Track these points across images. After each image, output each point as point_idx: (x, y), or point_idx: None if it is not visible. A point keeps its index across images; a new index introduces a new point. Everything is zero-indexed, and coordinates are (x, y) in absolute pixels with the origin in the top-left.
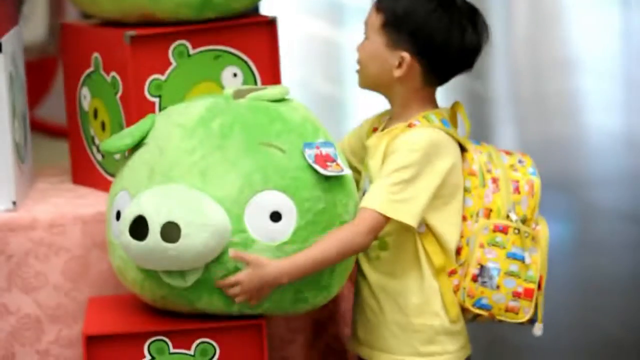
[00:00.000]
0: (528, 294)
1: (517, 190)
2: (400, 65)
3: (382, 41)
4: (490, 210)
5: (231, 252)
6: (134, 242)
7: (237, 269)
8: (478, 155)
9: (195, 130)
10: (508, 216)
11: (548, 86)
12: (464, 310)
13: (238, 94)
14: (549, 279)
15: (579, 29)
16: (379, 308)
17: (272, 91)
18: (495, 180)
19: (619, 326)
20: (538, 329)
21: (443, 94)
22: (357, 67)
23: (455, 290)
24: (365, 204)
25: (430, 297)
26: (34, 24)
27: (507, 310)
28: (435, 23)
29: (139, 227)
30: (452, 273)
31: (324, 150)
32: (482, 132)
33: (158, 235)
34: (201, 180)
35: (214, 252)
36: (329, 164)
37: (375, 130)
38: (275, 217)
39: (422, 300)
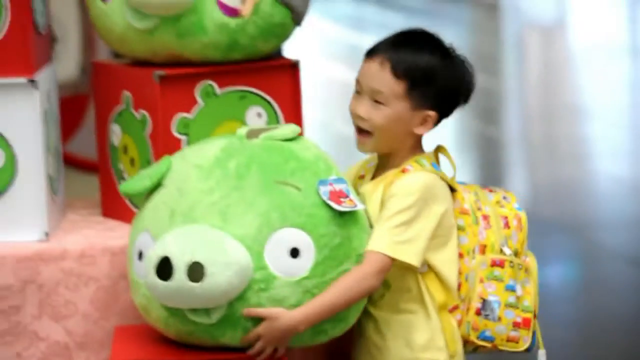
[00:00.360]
0: (526, 323)
1: (506, 225)
2: (424, 122)
3: (407, 106)
4: (485, 246)
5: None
6: (160, 282)
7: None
8: (467, 195)
9: (212, 171)
10: (502, 250)
11: (558, 131)
12: (466, 342)
13: (251, 134)
14: (555, 316)
15: (589, 77)
16: (385, 344)
17: (284, 131)
18: (485, 217)
19: None
20: (542, 356)
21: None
22: (369, 132)
23: (459, 324)
24: (371, 247)
25: (435, 333)
26: (67, 63)
27: (508, 340)
28: (451, 75)
29: (164, 268)
30: (455, 309)
31: (337, 187)
32: (494, 175)
33: (184, 275)
34: (221, 220)
35: (237, 290)
36: (342, 199)
37: (362, 177)
38: (294, 253)
39: (429, 335)
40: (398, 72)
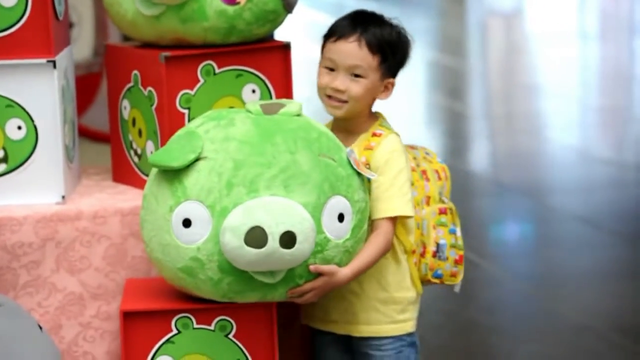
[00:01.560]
0: (461, 260)
1: (439, 178)
2: (386, 89)
3: (378, 76)
4: (429, 197)
5: (312, 267)
6: (250, 250)
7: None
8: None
9: (263, 146)
10: (441, 200)
11: (516, 107)
12: (422, 281)
13: (267, 110)
14: (514, 271)
15: (543, 59)
16: (361, 288)
17: (295, 107)
18: (424, 172)
19: (574, 311)
20: (458, 287)
21: (428, 113)
22: (345, 101)
23: (416, 266)
24: (391, 213)
25: (404, 275)
26: (82, 45)
27: (451, 275)
28: (404, 46)
29: (252, 236)
30: (413, 253)
31: (354, 156)
32: (459, 145)
33: (277, 244)
34: (285, 191)
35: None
36: (363, 167)
37: None
38: (341, 218)
39: (400, 277)
40: (373, 48)
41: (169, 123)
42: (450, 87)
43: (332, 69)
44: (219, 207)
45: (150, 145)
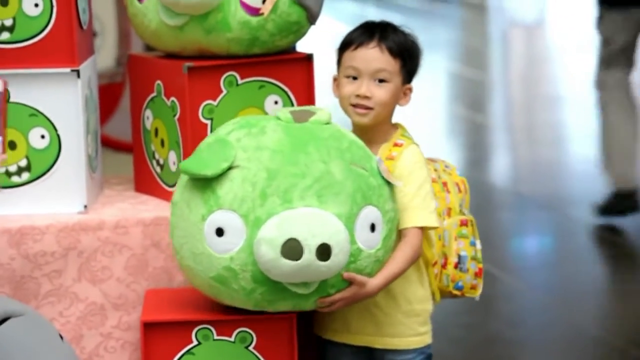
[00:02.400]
0: (480, 272)
1: (459, 190)
2: (405, 95)
3: (400, 81)
4: (450, 209)
5: (345, 274)
6: (286, 262)
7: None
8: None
9: (296, 156)
10: (461, 211)
11: (537, 118)
12: (443, 292)
13: (298, 118)
14: (534, 282)
15: (565, 70)
16: (385, 301)
17: (325, 115)
18: (445, 184)
19: (594, 324)
20: (478, 297)
21: (449, 124)
22: (371, 108)
23: (436, 278)
24: (416, 223)
25: (425, 286)
26: (105, 55)
27: (471, 288)
28: (419, 53)
29: (287, 248)
30: (434, 264)
31: (384, 166)
32: (480, 156)
33: (314, 256)
34: (319, 201)
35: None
36: (392, 177)
37: None
38: (372, 228)
39: (422, 289)
40: (394, 52)
41: (192, 133)
42: (472, 98)
43: (354, 78)
44: (253, 217)
45: (172, 156)
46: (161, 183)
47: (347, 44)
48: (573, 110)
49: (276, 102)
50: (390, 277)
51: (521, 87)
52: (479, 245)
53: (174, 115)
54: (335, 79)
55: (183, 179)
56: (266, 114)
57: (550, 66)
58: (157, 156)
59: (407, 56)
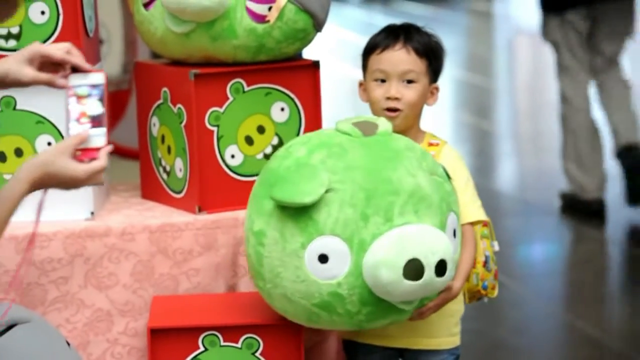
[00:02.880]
0: (497, 274)
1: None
2: (432, 95)
3: (427, 80)
4: None
5: None
6: (409, 283)
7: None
8: None
9: (387, 173)
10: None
11: (543, 126)
12: (472, 292)
13: (366, 131)
14: (540, 291)
15: None
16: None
17: (388, 125)
18: None
19: (601, 332)
20: (487, 298)
21: (455, 131)
22: (401, 109)
23: None
24: (472, 219)
25: None
26: (111, 62)
27: (492, 288)
28: (442, 53)
29: (409, 269)
30: None
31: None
32: (486, 163)
33: (433, 273)
34: (416, 216)
35: None
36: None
37: None
38: (454, 234)
39: None
40: (420, 53)
41: (198, 140)
42: (478, 105)
43: (383, 80)
44: (357, 240)
45: (179, 162)
46: (167, 190)
47: (372, 48)
48: None
49: (282, 109)
50: (465, 276)
51: (527, 94)
52: (496, 247)
53: (181, 122)
54: (361, 84)
55: (263, 207)
56: (273, 121)
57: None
58: (163, 163)
59: (433, 56)
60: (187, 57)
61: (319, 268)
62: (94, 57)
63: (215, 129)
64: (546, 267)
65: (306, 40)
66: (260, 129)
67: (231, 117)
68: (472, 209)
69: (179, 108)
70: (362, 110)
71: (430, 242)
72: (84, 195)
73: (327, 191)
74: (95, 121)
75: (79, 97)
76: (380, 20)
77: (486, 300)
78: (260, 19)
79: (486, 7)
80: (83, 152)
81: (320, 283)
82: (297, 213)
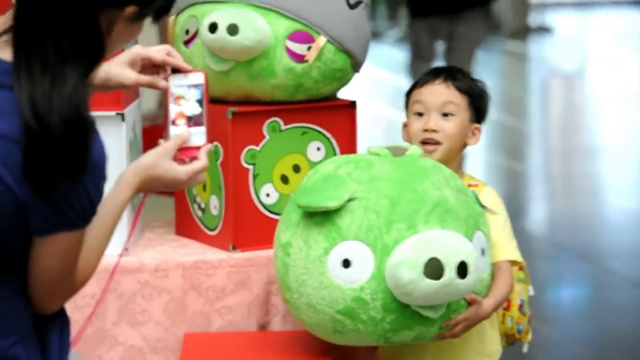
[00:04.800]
0: (530, 318)
1: None
2: (473, 135)
3: (467, 117)
4: None
5: (467, 296)
6: (429, 282)
7: (464, 305)
8: None
9: (413, 185)
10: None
11: (576, 168)
12: (507, 335)
13: (396, 153)
14: (571, 334)
15: (604, 121)
16: (460, 339)
17: (418, 150)
18: None
19: None
20: (527, 347)
21: (488, 172)
22: (440, 141)
23: (501, 319)
24: (508, 257)
25: (495, 327)
26: (147, 97)
27: (526, 332)
28: (488, 98)
29: (429, 268)
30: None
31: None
32: (518, 206)
33: (454, 274)
34: (442, 225)
35: None
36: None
37: None
38: (482, 253)
39: (494, 330)
40: (461, 89)
41: (234, 178)
42: (510, 147)
43: (421, 114)
44: (381, 245)
45: (214, 200)
46: (202, 227)
47: (414, 86)
48: (612, 162)
49: (318, 149)
50: (499, 299)
51: (560, 136)
52: (531, 291)
53: (217, 160)
54: (404, 125)
55: (291, 219)
56: (309, 160)
57: (589, 117)
58: (198, 200)
59: (474, 95)
60: (226, 95)
61: (342, 273)
62: (132, 93)
63: (251, 167)
64: (577, 311)
65: (344, 80)
66: (296, 168)
67: (267, 155)
68: (509, 248)
69: (216, 145)
70: None
71: (452, 244)
72: (118, 231)
73: (351, 200)
74: (194, 121)
75: (177, 98)
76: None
77: (525, 348)
78: (299, 58)
79: (521, 48)
80: (183, 151)
81: (344, 288)
82: (322, 220)
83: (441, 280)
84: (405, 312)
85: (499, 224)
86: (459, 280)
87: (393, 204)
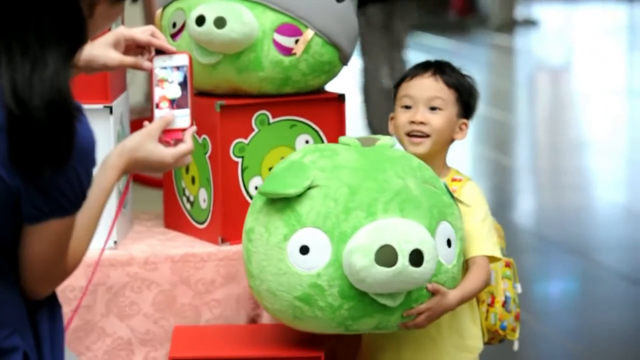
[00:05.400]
0: (518, 316)
1: (499, 235)
2: (460, 130)
3: (455, 112)
4: None
5: (429, 285)
6: (382, 269)
7: (427, 295)
8: None
9: (375, 173)
10: (503, 254)
11: (563, 162)
12: (489, 332)
13: (365, 143)
14: (558, 328)
15: (591, 114)
16: (438, 333)
17: (390, 140)
18: None
19: None
20: (517, 345)
21: (475, 165)
22: (428, 135)
23: (484, 316)
24: (484, 252)
25: (476, 323)
26: (135, 90)
27: (512, 330)
28: (477, 94)
29: (382, 254)
30: (482, 302)
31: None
32: (505, 199)
33: (407, 262)
34: (401, 214)
35: None
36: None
37: None
38: (449, 243)
39: (475, 325)
40: (449, 84)
41: (222, 171)
42: (497, 140)
43: (409, 107)
44: (338, 232)
45: (203, 193)
46: (191, 220)
47: (403, 78)
48: (599, 155)
49: (307, 142)
50: (467, 292)
51: (547, 130)
52: (519, 289)
53: (205, 153)
54: (392, 118)
55: (255, 205)
56: None
57: (576, 110)
58: (187, 193)
59: (463, 90)
60: (214, 88)
61: (300, 259)
62: (119, 86)
63: (239, 160)
64: (565, 304)
65: (332, 73)
66: None
67: (256, 148)
68: (487, 244)
69: (204, 139)
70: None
71: (407, 231)
72: (107, 224)
73: (312, 187)
74: (177, 103)
75: (160, 80)
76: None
77: (516, 345)
78: (287, 51)
79: (507, 41)
80: (167, 133)
81: (301, 274)
82: (282, 207)
83: (393, 267)
84: (363, 300)
85: (477, 218)
86: (413, 269)
87: (352, 192)
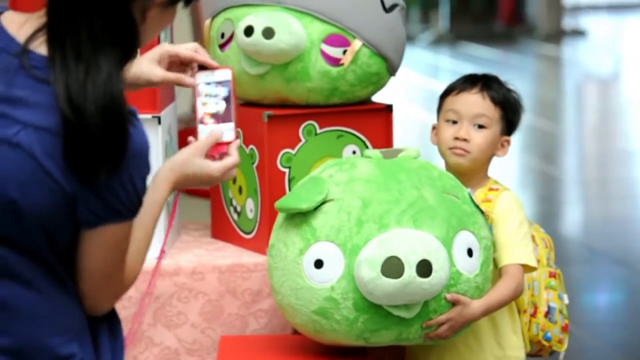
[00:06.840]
0: (566, 328)
1: (545, 245)
2: (503, 147)
3: (498, 130)
4: (538, 261)
5: (448, 296)
6: (389, 281)
7: (447, 305)
8: None
9: (389, 184)
10: (549, 265)
11: (610, 173)
12: (532, 342)
13: (387, 155)
14: (604, 338)
15: (638, 124)
16: (478, 345)
17: (413, 151)
18: (532, 237)
19: None
20: (562, 356)
21: (521, 176)
22: (469, 150)
23: (526, 326)
24: (517, 260)
25: (518, 333)
26: (182, 100)
27: (558, 341)
28: (520, 109)
29: (388, 266)
30: (524, 312)
31: (475, 196)
32: (552, 210)
33: (414, 272)
34: (415, 225)
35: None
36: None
37: None
38: (470, 253)
39: (515, 335)
40: (496, 101)
41: (269, 181)
42: (545, 151)
43: (454, 122)
44: (350, 245)
45: (250, 203)
46: (238, 230)
47: (449, 91)
48: None
49: (354, 152)
50: (493, 303)
51: (595, 140)
52: (566, 300)
53: (253, 163)
54: (434, 127)
55: (277, 222)
56: None
57: (624, 120)
58: (234, 203)
59: (508, 107)
60: (261, 98)
61: (315, 273)
62: (168, 96)
63: (287, 170)
64: (612, 315)
65: (380, 84)
66: None
67: (303, 158)
68: (520, 252)
69: (252, 149)
70: (428, 153)
71: (414, 242)
72: (156, 234)
73: (328, 201)
74: (222, 118)
75: (204, 96)
76: (448, 63)
77: (561, 357)
78: (335, 62)
79: (555, 51)
80: (212, 147)
81: (316, 288)
82: (299, 222)
83: (400, 279)
84: (378, 312)
85: (511, 226)
86: (421, 279)
87: (365, 205)
